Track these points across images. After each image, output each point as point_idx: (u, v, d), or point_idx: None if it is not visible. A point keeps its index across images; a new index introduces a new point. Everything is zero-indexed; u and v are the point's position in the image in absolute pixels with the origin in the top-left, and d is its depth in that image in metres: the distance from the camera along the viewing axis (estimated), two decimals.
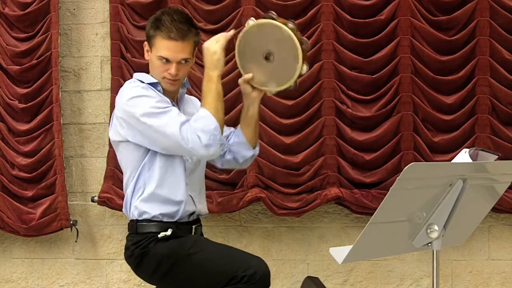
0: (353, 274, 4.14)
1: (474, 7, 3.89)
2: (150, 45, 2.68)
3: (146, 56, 2.73)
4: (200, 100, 2.76)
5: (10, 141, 4.17)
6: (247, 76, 2.69)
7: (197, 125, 2.56)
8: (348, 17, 3.95)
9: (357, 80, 3.96)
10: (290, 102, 3.95)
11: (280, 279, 4.14)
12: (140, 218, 2.69)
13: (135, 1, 4.10)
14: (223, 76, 3.96)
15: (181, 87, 2.81)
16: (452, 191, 2.18)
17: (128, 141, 2.67)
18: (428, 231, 2.22)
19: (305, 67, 2.58)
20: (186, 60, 2.67)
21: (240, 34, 2.69)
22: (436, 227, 2.21)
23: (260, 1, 3.99)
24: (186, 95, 2.89)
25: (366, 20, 3.95)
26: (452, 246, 3.62)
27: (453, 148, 3.89)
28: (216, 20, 4.04)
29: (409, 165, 2.01)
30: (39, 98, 4.14)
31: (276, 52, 2.60)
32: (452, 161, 2.41)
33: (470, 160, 2.31)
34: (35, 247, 4.32)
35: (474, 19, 3.89)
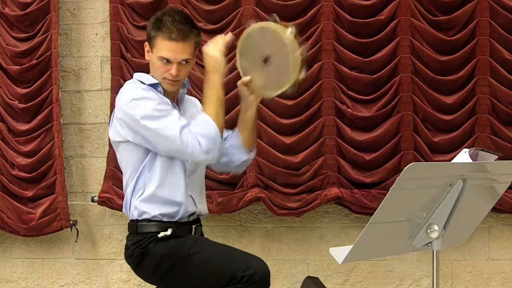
0: (353, 274, 4.14)
1: (474, 7, 3.89)
2: (151, 46, 2.68)
3: (147, 56, 2.73)
4: (200, 100, 2.76)
5: (10, 141, 4.17)
6: (246, 78, 2.69)
7: (198, 130, 2.57)
8: (348, 17, 3.95)
9: (357, 80, 3.96)
10: (290, 102, 3.95)
11: (280, 279, 4.14)
12: (140, 218, 2.69)
13: (135, 1, 4.10)
14: (224, 74, 4.00)
15: (182, 88, 2.81)
16: (452, 191, 2.18)
17: (128, 141, 2.67)
18: (428, 231, 2.22)
19: (302, 72, 2.58)
20: (186, 60, 2.67)
21: (242, 36, 2.69)
22: (436, 227, 2.21)
23: (260, 1, 3.99)
24: (186, 95, 2.89)
25: (366, 20, 3.95)
26: (452, 246, 3.62)
27: (453, 148, 3.89)
28: (216, 20, 4.04)
29: (409, 165, 2.01)
30: (39, 98, 4.14)
31: (275, 56, 2.60)
32: (452, 161, 2.41)
33: (470, 160, 2.31)
34: (35, 247, 4.32)
35: (474, 19, 3.89)
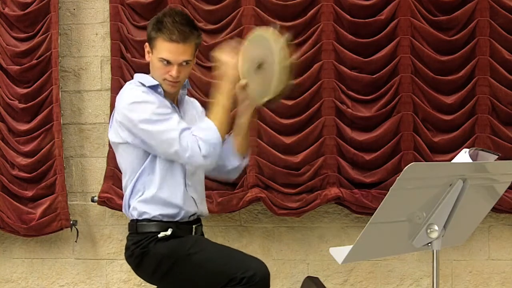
0: (353, 274, 4.14)
1: (474, 7, 3.89)
2: (151, 47, 2.68)
3: (147, 57, 2.73)
4: (200, 101, 2.76)
5: (10, 141, 4.17)
6: (242, 82, 2.68)
7: (200, 135, 2.57)
8: (348, 17, 3.95)
9: (357, 80, 3.96)
10: (290, 102, 3.95)
11: (280, 279, 4.14)
12: (140, 218, 2.69)
13: (135, 1, 4.10)
14: None
15: (182, 89, 2.82)
16: (452, 191, 2.18)
17: (127, 143, 2.67)
18: (428, 231, 2.22)
19: (289, 82, 2.57)
20: (187, 62, 2.67)
21: (245, 41, 2.69)
22: (436, 227, 2.21)
23: (260, 1, 3.99)
24: (186, 96, 2.89)
25: (366, 20, 3.95)
26: (452, 246, 3.62)
27: (453, 148, 3.89)
28: (216, 20, 4.04)
29: (409, 165, 2.01)
30: (39, 98, 4.14)
31: (266, 63, 2.60)
32: (452, 161, 2.41)
33: (470, 160, 2.31)
34: (35, 247, 4.32)
35: (474, 19, 3.89)
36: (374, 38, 3.94)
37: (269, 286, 2.60)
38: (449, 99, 3.94)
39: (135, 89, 2.67)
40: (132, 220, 2.73)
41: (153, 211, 2.67)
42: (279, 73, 2.55)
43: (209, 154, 2.57)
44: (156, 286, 2.82)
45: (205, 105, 3.80)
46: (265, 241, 4.17)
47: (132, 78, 2.82)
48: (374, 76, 3.94)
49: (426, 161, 3.78)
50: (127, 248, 2.74)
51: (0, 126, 4.18)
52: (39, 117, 4.15)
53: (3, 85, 4.18)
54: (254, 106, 2.74)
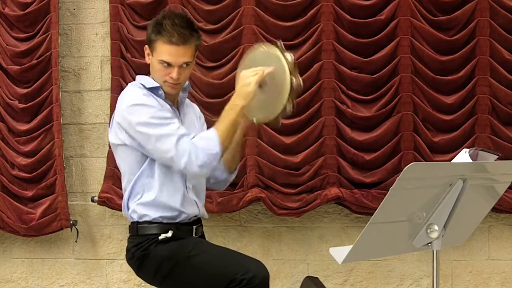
0: (353, 274, 4.14)
1: (474, 7, 3.89)
2: (151, 49, 2.68)
3: (147, 59, 2.73)
4: (199, 101, 2.76)
5: (10, 141, 4.17)
6: None
7: (201, 144, 2.56)
8: (348, 17, 3.95)
9: (357, 80, 3.96)
10: None
11: (280, 279, 4.14)
12: (140, 220, 2.69)
13: (135, 1, 4.10)
14: (224, 75, 4.01)
15: (183, 92, 2.82)
16: (452, 191, 2.18)
17: (126, 145, 2.67)
18: (428, 231, 2.22)
19: (289, 106, 2.54)
20: (187, 63, 2.67)
21: (247, 55, 2.66)
22: (436, 227, 2.21)
23: (260, 1, 3.99)
24: (187, 100, 2.89)
25: (366, 20, 3.95)
26: (452, 246, 3.62)
27: (453, 148, 3.89)
28: (216, 20, 4.04)
29: (409, 165, 2.01)
30: (39, 98, 4.14)
31: (269, 83, 2.58)
32: (452, 161, 2.41)
33: (470, 160, 2.31)
34: (35, 247, 4.32)
35: (474, 19, 3.89)
36: (374, 38, 3.94)
37: None
38: (449, 99, 3.94)
39: (136, 91, 2.67)
40: (132, 223, 2.73)
41: (154, 214, 2.68)
42: (284, 95, 2.52)
43: (206, 164, 2.55)
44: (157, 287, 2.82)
45: (205, 105, 3.83)
46: (265, 241, 4.17)
47: (132, 78, 2.83)
48: (374, 76, 3.94)
49: (426, 161, 3.78)
50: (128, 250, 2.74)
51: (0, 126, 4.18)
52: (39, 117, 4.15)
53: (3, 85, 4.18)
54: (249, 123, 2.73)
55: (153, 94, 2.67)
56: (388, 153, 3.96)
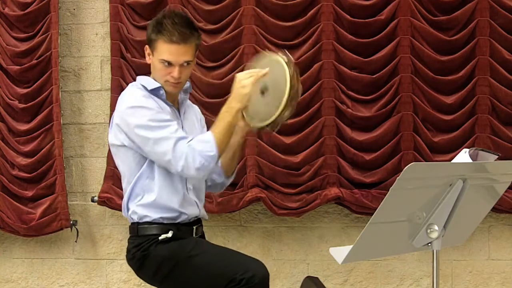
0: (353, 274, 4.14)
1: (474, 7, 3.89)
2: (152, 49, 2.68)
3: (148, 59, 2.73)
4: (198, 101, 2.75)
5: (10, 141, 4.17)
6: None
7: (197, 147, 2.55)
8: (348, 17, 3.95)
9: (357, 80, 3.96)
10: None
11: (280, 279, 4.14)
12: (141, 221, 2.69)
13: (135, 1, 4.10)
14: (224, 75, 4.01)
15: (184, 93, 2.82)
16: (452, 191, 2.18)
17: (125, 146, 2.67)
18: (428, 231, 2.22)
19: (287, 113, 2.52)
20: (188, 62, 2.67)
21: (254, 63, 2.65)
22: (436, 227, 2.21)
23: (260, 1, 3.99)
24: (189, 101, 2.89)
25: (366, 20, 3.95)
26: (452, 246, 3.62)
27: (453, 148, 3.89)
28: (216, 20, 4.04)
29: (409, 165, 2.01)
30: (39, 98, 4.14)
31: (270, 90, 2.57)
32: (452, 161, 2.41)
33: (470, 160, 2.31)
34: (35, 247, 4.32)
35: (474, 19, 3.89)
36: (374, 38, 3.94)
37: (268, 287, 2.60)
38: (449, 99, 3.94)
39: (136, 92, 2.67)
40: (133, 223, 2.73)
41: (154, 214, 2.68)
42: (285, 103, 2.52)
43: (203, 167, 2.55)
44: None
45: (205, 105, 3.83)
46: (265, 241, 4.17)
47: (132, 78, 2.83)
48: (374, 76, 3.94)
49: (426, 161, 3.78)
50: (128, 251, 2.74)
51: (0, 126, 4.18)
52: (39, 117, 4.15)
53: (3, 85, 4.18)
54: (249, 128, 2.71)
55: (153, 96, 2.67)
56: (388, 153, 3.96)
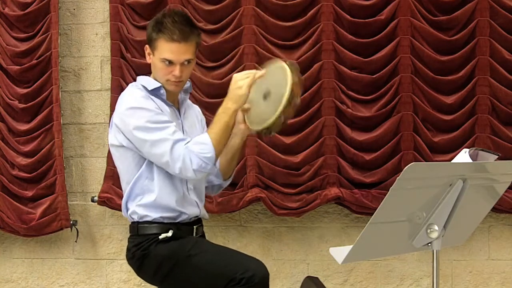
0: (353, 274, 4.14)
1: (474, 7, 3.89)
2: (152, 48, 2.68)
3: (148, 59, 2.73)
4: (198, 101, 2.75)
5: (10, 141, 4.17)
6: (245, 105, 2.64)
7: (194, 149, 2.56)
8: (348, 17, 3.95)
9: (357, 80, 3.96)
10: None
11: (280, 279, 4.14)
12: (141, 220, 2.70)
13: (135, 1, 4.10)
14: (224, 75, 4.01)
15: (184, 93, 2.82)
16: (452, 191, 2.18)
17: (124, 146, 2.67)
18: (428, 231, 2.22)
19: (282, 118, 2.51)
20: (189, 61, 2.67)
21: (264, 71, 2.65)
22: (436, 227, 2.21)
23: (260, 1, 3.99)
24: (189, 101, 2.89)
25: (366, 20, 3.95)
26: (452, 246, 3.62)
27: (453, 148, 3.89)
28: (216, 20, 4.04)
29: (409, 165, 2.01)
30: (39, 98, 4.14)
31: (272, 95, 2.57)
32: (452, 161, 2.41)
33: (470, 160, 2.31)
34: (35, 247, 4.32)
35: (474, 19, 3.89)
36: (374, 38, 3.94)
37: (268, 287, 2.60)
38: (449, 99, 3.94)
39: (136, 93, 2.67)
40: (133, 222, 2.73)
41: (154, 214, 2.68)
42: (284, 108, 2.51)
43: (200, 169, 2.56)
44: (157, 287, 2.82)
45: (205, 105, 3.83)
46: (265, 241, 4.17)
47: (132, 78, 2.83)
48: (374, 76, 3.94)
49: (426, 161, 3.78)
50: (128, 250, 2.74)
51: (0, 126, 4.18)
52: (39, 117, 4.15)
53: (3, 85, 4.18)
54: (249, 131, 2.71)
55: (152, 96, 2.67)
56: (388, 153, 3.96)
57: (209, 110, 3.72)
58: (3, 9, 4.17)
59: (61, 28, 4.23)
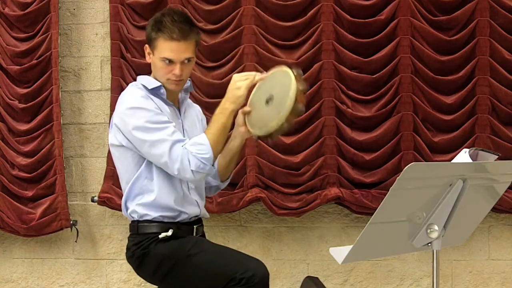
0: (353, 274, 4.14)
1: (474, 7, 3.89)
2: (152, 48, 2.68)
3: (148, 59, 2.73)
4: (198, 101, 2.75)
5: (10, 141, 4.17)
6: (246, 108, 2.65)
7: (192, 150, 2.56)
8: (348, 17, 3.95)
9: (357, 80, 3.96)
10: None
11: (280, 279, 4.14)
12: (141, 219, 2.70)
13: (135, 1, 4.10)
14: (224, 75, 4.01)
15: (185, 92, 2.82)
16: (452, 191, 2.18)
17: (123, 146, 2.67)
18: (428, 231, 2.22)
19: (285, 125, 2.52)
20: (189, 59, 2.67)
21: (268, 73, 2.65)
22: (436, 227, 2.21)
23: (260, 1, 3.99)
24: (190, 101, 2.89)
25: (366, 20, 3.95)
26: (452, 246, 3.62)
27: (453, 148, 3.89)
28: (216, 20, 4.04)
29: (409, 165, 2.01)
30: (39, 98, 4.14)
31: (275, 100, 2.57)
32: (452, 161, 2.41)
33: (470, 160, 2.31)
34: (35, 247, 4.32)
35: (474, 19, 3.89)
36: (374, 38, 3.94)
37: (268, 287, 2.60)
38: (449, 99, 3.94)
39: (135, 93, 2.67)
40: (133, 221, 2.73)
41: (154, 213, 2.68)
42: (286, 113, 2.51)
43: (198, 170, 2.56)
44: (157, 287, 2.82)
45: (205, 105, 3.83)
46: (265, 241, 4.17)
47: (132, 78, 2.83)
48: (374, 76, 3.94)
49: (426, 161, 3.78)
50: (128, 248, 2.74)
51: (0, 126, 4.18)
52: (39, 117, 4.15)
53: (3, 85, 4.18)
54: (249, 134, 2.71)
55: (152, 96, 2.67)
56: (388, 153, 3.96)
57: (209, 110, 3.69)
58: (3, 9, 4.17)
59: (61, 28, 4.23)
